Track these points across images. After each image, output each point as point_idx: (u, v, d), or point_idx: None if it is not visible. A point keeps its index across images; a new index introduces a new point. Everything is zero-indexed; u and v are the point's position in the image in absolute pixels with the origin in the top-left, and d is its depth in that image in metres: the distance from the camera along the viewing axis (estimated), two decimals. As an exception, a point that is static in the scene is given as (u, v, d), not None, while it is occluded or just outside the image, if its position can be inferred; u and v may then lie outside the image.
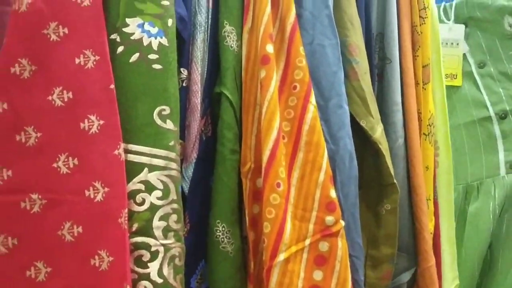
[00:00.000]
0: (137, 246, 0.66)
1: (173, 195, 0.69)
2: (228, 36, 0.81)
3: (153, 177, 0.67)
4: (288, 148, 0.79)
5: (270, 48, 0.79)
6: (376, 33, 1.02)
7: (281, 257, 0.74)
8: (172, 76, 0.71)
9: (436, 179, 1.04)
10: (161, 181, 0.68)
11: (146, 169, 0.67)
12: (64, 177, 0.62)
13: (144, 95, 0.69)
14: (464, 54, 1.30)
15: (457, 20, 1.28)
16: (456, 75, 1.27)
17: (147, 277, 0.66)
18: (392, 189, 0.90)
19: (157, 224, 0.67)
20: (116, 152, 0.65)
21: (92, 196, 0.63)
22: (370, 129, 0.88)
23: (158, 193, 0.67)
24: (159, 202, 0.67)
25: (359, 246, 0.84)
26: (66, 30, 0.65)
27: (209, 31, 0.83)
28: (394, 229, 0.90)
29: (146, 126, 0.68)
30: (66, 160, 0.63)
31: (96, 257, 0.62)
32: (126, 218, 0.65)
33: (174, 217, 0.68)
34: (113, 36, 0.70)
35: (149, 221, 0.67)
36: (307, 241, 0.77)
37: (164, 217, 0.67)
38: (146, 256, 0.66)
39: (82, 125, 0.64)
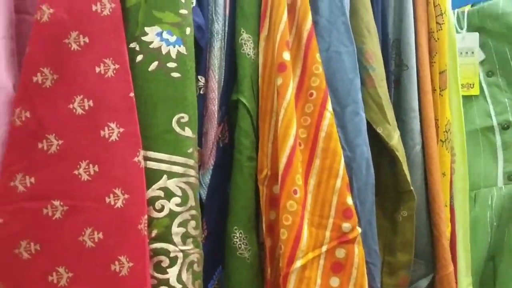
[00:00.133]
0: (156, 252, 0.67)
1: (191, 202, 0.70)
2: (245, 43, 0.82)
3: (172, 184, 0.68)
4: (305, 155, 0.80)
5: (286, 56, 0.79)
6: (392, 39, 1.03)
7: (298, 263, 0.74)
8: (191, 84, 0.72)
9: (453, 185, 1.04)
10: (180, 188, 0.69)
11: (165, 176, 0.68)
12: (85, 184, 0.64)
13: (163, 103, 0.70)
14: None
15: (469, 28, 1.28)
16: (473, 84, 1.26)
17: (166, 282, 0.67)
18: (408, 196, 0.90)
19: (176, 230, 0.68)
20: (135, 159, 0.66)
21: (112, 203, 0.64)
22: (386, 136, 0.89)
23: (177, 200, 0.68)
24: (178, 209, 0.68)
25: (375, 253, 0.84)
26: (86, 40, 0.66)
27: (226, 39, 0.84)
28: (410, 236, 0.90)
29: (165, 134, 0.69)
30: (86, 167, 0.64)
31: (117, 262, 0.63)
32: (146, 225, 0.66)
33: (192, 223, 0.69)
34: (132, 45, 0.71)
35: (168, 228, 0.67)
36: (324, 248, 0.77)
37: (183, 224, 0.68)
38: (165, 262, 0.67)
39: (102, 132, 0.65)
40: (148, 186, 0.67)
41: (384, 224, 0.91)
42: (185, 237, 0.68)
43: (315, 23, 0.85)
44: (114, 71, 0.67)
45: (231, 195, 0.80)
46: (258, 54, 0.83)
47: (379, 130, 0.88)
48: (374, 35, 0.93)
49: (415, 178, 0.95)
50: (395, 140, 0.89)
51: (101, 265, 0.63)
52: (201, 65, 0.79)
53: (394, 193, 0.91)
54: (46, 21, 0.64)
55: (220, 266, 0.81)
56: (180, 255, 0.68)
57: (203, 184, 0.78)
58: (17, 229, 0.61)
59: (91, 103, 0.65)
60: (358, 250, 0.77)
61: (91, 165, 0.64)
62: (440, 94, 1.02)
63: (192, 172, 0.70)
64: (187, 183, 0.69)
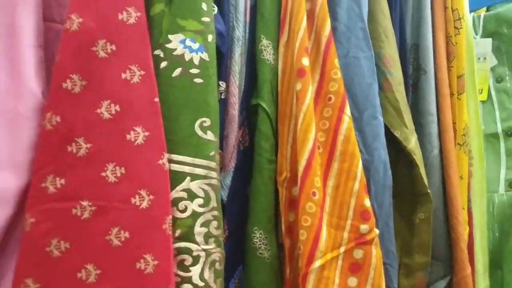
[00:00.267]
0: (180, 251, 0.69)
1: (213, 203, 0.72)
2: (264, 49, 0.84)
3: (195, 186, 0.71)
4: (323, 158, 0.82)
5: (305, 61, 0.81)
6: (410, 44, 1.04)
7: (317, 263, 0.76)
8: (213, 89, 0.75)
9: (470, 188, 1.05)
10: (202, 189, 0.71)
11: (188, 178, 0.70)
12: (112, 186, 0.66)
13: (186, 107, 0.72)
14: (484, 67, 1.30)
15: (484, 33, 1.28)
16: (481, 90, 1.27)
17: (189, 280, 0.69)
18: (426, 198, 0.91)
19: (199, 230, 0.70)
20: (160, 161, 0.68)
21: (138, 204, 0.66)
22: (404, 139, 0.90)
23: (199, 201, 0.70)
24: (200, 209, 0.70)
25: (393, 254, 0.85)
26: (113, 47, 0.69)
27: (246, 45, 0.86)
28: (427, 238, 0.92)
29: (188, 137, 0.71)
30: (113, 169, 0.66)
31: (142, 261, 0.65)
32: (170, 224, 0.68)
33: (214, 223, 0.71)
34: (156, 52, 0.73)
35: (191, 227, 0.70)
36: (342, 249, 0.79)
37: (205, 224, 0.70)
38: (188, 260, 0.69)
39: (128, 136, 0.68)
40: (172, 187, 0.70)
41: (401, 226, 0.93)
42: (207, 236, 0.70)
43: (333, 29, 0.87)
44: (140, 77, 0.69)
45: (251, 197, 0.82)
46: (278, 60, 0.85)
47: (397, 133, 0.90)
48: (392, 40, 0.94)
49: (433, 181, 0.96)
50: (412, 143, 0.91)
51: (127, 263, 0.65)
52: (222, 71, 0.82)
53: (412, 196, 0.93)
54: (76, 30, 0.67)
55: (240, 265, 0.83)
56: (203, 254, 0.70)
57: (224, 186, 0.81)
58: (48, 228, 0.63)
59: (117, 108, 0.68)
60: (375, 251, 0.78)
61: (117, 168, 0.66)
62: (458, 98, 1.03)
63: (214, 174, 0.72)
64: (209, 184, 0.71)
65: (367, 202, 0.79)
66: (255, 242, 0.80)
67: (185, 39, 0.73)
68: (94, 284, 0.64)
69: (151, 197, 0.67)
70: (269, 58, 0.84)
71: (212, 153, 0.73)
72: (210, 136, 0.72)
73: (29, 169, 0.65)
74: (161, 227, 0.67)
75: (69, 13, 0.67)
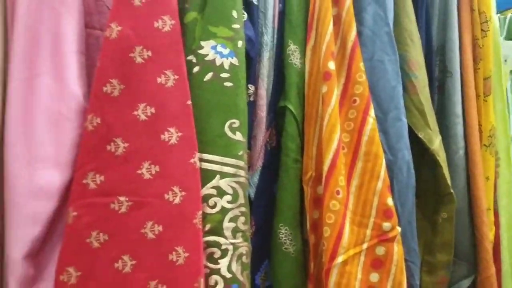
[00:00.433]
0: (209, 244, 0.73)
1: (241, 200, 0.76)
2: (292, 54, 0.88)
3: (224, 183, 0.75)
4: (348, 158, 0.85)
5: (331, 65, 0.84)
6: (437, 47, 1.05)
7: (340, 259, 0.79)
8: (242, 92, 0.78)
9: (497, 189, 1.06)
10: (231, 186, 0.75)
11: (218, 176, 0.75)
12: (147, 182, 0.71)
13: (216, 110, 0.76)
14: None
15: (508, 35, 1.28)
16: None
17: (217, 271, 0.73)
18: (449, 198, 0.93)
19: (227, 225, 0.74)
20: (192, 160, 0.73)
21: (171, 199, 0.71)
22: (428, 140, 0.92)
23: (228, 198, 0.75)
24: (229, 206, 0.74)
25: (415, 252, 0.87)
26: (149, 53, 0.73)
27: (274, 50, 0.89)
28: (450, 237, 0.93)
29: (218, 138, 0.75)
30: (149, 167, 0.71)
31: (174, 253, 0.70)
32: (200, 219, 0.72)
33: (242, 219, 0.75)
34: (189, 57, 0.78)
35: (220, 222, 0.74)
36: (365, 245, 0.81)
37: (233, 219, 0.74)
38: (217, 253, 0.73)
39: (162, 136, 0.72)
40: (203, 184, 0.74)
41: (424, 225, 0.95)
42: (235, 231, 0.74)
43: (359, 33, 0.90)
44: (174, 81, 0.74)
45: (278, 195, 0.85)
46: (305, 64, 0.88)
47: (421, 135, 0.92)
48: (417, 44, 0.96)
49: (458, 182, 0.98)
50: (436, 144, 0.92)
51: (160, 255, 0.70)
52: (251, 75, 0.85)
53: (435, 196, 0.95)
54: (115, 37, 0.72)
55: (266, 259, 0.86)
56: (231, 247, 0.74)
57: (252, 184, 0.84)
58: (88, 221, 0.68)
59: (153, 110, 0.72)
60: (397, 248, 0.81)
61: (152, 166, 0.71)
62: (484, 99, 1.04)
63: (242, 172, 0.76)
64: (237, 182, 0.75)
65: (390, 201, 0.82)
66: (280, 238, 0.83)
67: (216, 45, 0.77)
68: (129, 273, 0.68)
69: (183, 193, 0.71)
70: (296, 62, 0.88)
71: (240, 153, 0.76)
72: (239, 136, 0.76)
73: (72, 166, 0.70)
74: (192, 221, 0.71)
75: (109, 22, 0.73)
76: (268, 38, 0.88)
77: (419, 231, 0.90)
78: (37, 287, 0.69)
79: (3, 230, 0.70)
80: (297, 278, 0.84)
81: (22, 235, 0.68)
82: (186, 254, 0.70)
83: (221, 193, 0.74)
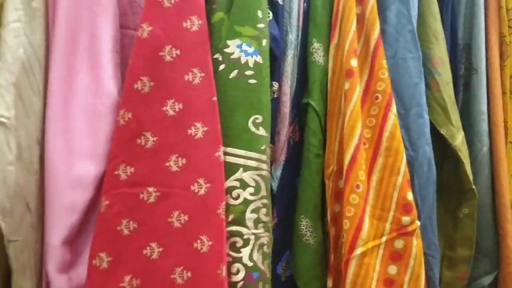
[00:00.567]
0: (232, 234, 0.77)
1: (263, 192, 0.79)
2: (315, 52, 0.90)
3: (247, 176, 0.78)
4: (369, 153, 0.86)
5: (354, 63, 0.86)
6: (462, 44, 1.06)
7: (358, 251, 0.81)
8: (266, 89, 0.81)
9: (522, 186, 1.05)
10: (254, 179, 0.78)
11: (241, 169, 0.78)
12: (174, 174, 0.74)
13: (241, 106, 0.79)
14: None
15: None
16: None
17: (239, 260, 0.76)
18: (470, 194, 0.94)
19: (249, 216, 0.77)
20: (217, 154, 0.76)
21: (196, 191, 0.74)
22: (450, 137, 0.93)
23: (251, 190, 0.78)
24: (251, 197, 0.78)
25: (435, 246, 0.88)
26: (178, 52, 0.77)
27: (298, 48, 0.92)
28: (471, 233, 0.94)
29: (242, 132, 0.79)
30: (176, 160, 0.75)
31: (198, 241, 0.73)
32: (224, 210, 0.75)
33: (263, 210, 0.78)
34: (216, 56, 0.81)
35: (242, 213, 0.77)
36: (384, 238, 0.83)
37: (255, 210, 0.77)
38: (239, 242, 0.77)
39: (189, 131, 0.76)
40: (227, 177, 0.77)
41: (446, 220, 0.96)
42: (257, 222, 0.77)
43: (382, 31, 0.91)
44: (201, 79, 0.77)
45: (300, 188, 0.88)
46: (328, 61, 0.91)
47: (443, 131, 0.93)
48: (441, 42, 0.97)
49: (481, 179, 0.98)
50: (458, 141, 0.93)
51: (186, 243, 0.73)
52: (275, 72, 0.88)
53: (456, 191, 0.96)
54: (146, 37, 0.76)
55: (288, 250, 0.89)
56: (252, 237, 0.77)
57: (275, 178, 0.87)
58: (119, 210, 0.72)
59: (180, 106, 0.76)
60: (416, 242, 0.82)
61: (179, 158, 0.75)
62: (510, 97, 1.04)
63: (264, 166, 0.79)
64: (260, 175, 0.78)
65: (410, 196, 0.83)
66: (301, 230, 0.86)
67: (241, 44, 0.80)
68: (156, 260, 0.72)
69: (208, 185, 0.75)
70: (319, 60, 0.90)
71: (263, 147, 0.79)
72: (262, 131, 0.79)
73: (106, 159, 0.74)
74: (216, 212, 0.74)
75: (140, 23, 0.77)
76: (293, 37, 0.91)
77: (440, 226, 0.91)
78: (74, 271, 0.73)
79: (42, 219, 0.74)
80: (317, 268, 0.87)
81: (61, 222, 0.72)
82: (210, 243, 0.73)
83: (244, 185, 0.77)
